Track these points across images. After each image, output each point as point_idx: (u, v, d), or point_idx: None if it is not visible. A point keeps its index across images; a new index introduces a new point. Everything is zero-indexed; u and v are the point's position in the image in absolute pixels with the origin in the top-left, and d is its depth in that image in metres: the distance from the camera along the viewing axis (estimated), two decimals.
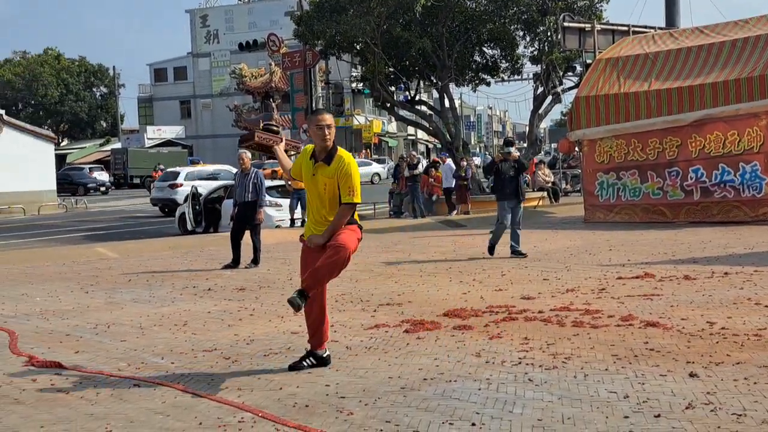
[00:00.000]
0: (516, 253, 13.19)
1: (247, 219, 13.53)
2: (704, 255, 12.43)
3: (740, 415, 4.79)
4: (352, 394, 5.63)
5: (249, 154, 13.86)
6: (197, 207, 22.11)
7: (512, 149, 13.69)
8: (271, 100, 53.39)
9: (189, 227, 21.95)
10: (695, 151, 17.89)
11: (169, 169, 33.59)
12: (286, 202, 21.13)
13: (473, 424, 4.88)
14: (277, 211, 21.51)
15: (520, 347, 6.82)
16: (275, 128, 6.70)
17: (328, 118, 6.22)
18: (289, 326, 8.17)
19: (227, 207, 22.08)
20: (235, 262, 13.39)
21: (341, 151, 6.17)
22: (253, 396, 5.68)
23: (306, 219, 6.37)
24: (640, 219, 18.65)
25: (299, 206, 20.83)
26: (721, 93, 17.50)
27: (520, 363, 6.30)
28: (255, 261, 13.50)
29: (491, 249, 13.41)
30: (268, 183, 23.68)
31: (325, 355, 6.47)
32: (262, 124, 6.34)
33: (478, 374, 6.03)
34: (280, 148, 7.26)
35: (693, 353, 6.33)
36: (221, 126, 67.14)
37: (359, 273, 12.08)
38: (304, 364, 6.38)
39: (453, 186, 24.36)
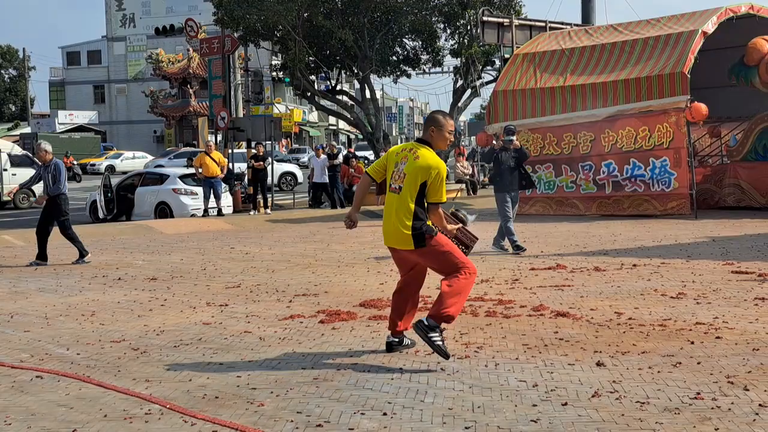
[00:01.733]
0: (517, 247, 12.40)
1: (53, 213, 12.47)
2: (614, 247, 12.72)
3: (643, 403, 4.90)
4: (264, 385, 5.57)
5: (49, 147, 12.57)
6: (109, 195, 21.64)
7: (513, 138, 12.66)
8: (188, 86, 52.62)
9: (101, 215, 21.47)
10: (608, 146, 18.28)
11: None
12: (201, 191, 20.81)
13: (384, 414, 4.88)
14: (192, 199, 21.19)
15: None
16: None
17: (453, 126, 6.27)
18: (201, 317, 8.04)
19: (140, 195, 21.71)
20: (41, 258, 12.38)
21: None
22: (162, 388, 5.57)
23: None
24: (554, 212, 18.98)
25: (212, 195, 20.56)
26: (634, 90, 17.92)
27: (433, 353, 6.32)
28: (81, 254, 12.48)
29: (516, 246, 12.39)
30: (182, 171, 23.40)
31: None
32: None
33: (392, 364, 6.04)
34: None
35: (601, 343, 6.46)
36: (137, 112, 65.86)
37: (275, 263, 12.00)
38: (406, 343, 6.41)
39: (326, 181, 24.09)
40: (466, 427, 4.62)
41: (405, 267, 6.31)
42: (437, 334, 5.83)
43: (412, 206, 5.93)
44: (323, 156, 24.11)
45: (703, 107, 16.98)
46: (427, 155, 5.96)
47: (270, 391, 5.43)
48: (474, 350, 6.37)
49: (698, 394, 5.03)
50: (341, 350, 6.51)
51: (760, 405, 4.76)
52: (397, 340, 6.37)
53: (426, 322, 5.86)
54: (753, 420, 4.53)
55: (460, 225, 6.60)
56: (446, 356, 5.85)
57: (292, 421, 4.81)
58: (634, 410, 4.79)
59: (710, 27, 17.85)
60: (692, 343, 6.35)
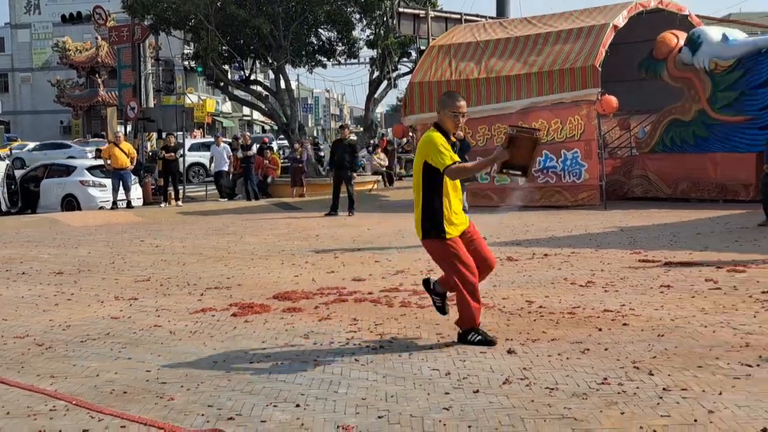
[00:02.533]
0: None
1: None
2: (527, 237, 12.92)
3: (552, 389, 4.98)
4: (174, 379, 5.47)
5: None
6: (12, 187, 20.96)
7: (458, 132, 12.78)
8: (97, 75, 51.31)
9: (4, 208, 20.79)
10: None
11: None
12: (110, 183, 20.34)
13: (297, 405, 4.85)
14: (100, 191, 20.70)
15: (349, 328, 6.85)
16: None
17: (464, 107, 6.05)
18: (109, 311, 7.86)
19: (46, 187, 21.11)
20: None
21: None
22: (68, 383, 5.42)
23: (444, 215, 5.90)
24: (469, 203, 19.14)
25: (121, 187, 20.11)
26: (546, 82, 18.21)
27: (347, 343, 6.33)
28: None
29: None
30: (90, 162, 22.83)
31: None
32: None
33: (305, 356, 6.00)
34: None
35: (512, 331, 6.55)
36: (42, 101, 63.80)
37: (187, 256, 11.81)
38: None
39: (226, 169, 23.98)
40: (379, 416, 4.62)
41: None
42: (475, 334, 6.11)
43: (421, 189, 5.97)
44: (223, 144, 23.89)
45: (613, 100, 17.37)
46: (426, 136, 5.94)
47: (180, 385, 5.33)
48: (388, 340, 6.38)
49: (605, 379, 5.14)
50: (254, 343, 6.44)
51: (664, 389, 4.89)
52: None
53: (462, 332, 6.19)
54: (657, 403, 4.64)
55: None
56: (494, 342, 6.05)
57: (202, 414, 4.74)
58: (543, 396, 4.86)
59: (621, 21, 18.26)
60: (600, 330, 6.48)
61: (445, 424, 4.45)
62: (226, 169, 23.70)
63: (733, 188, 17.25)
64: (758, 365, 5.34)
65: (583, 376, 5.22)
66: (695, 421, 4.33)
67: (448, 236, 5.94)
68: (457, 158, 5.90)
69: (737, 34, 18.38)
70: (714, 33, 17.98)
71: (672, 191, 18.27)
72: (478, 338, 6.03)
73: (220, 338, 6.65)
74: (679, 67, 17.98)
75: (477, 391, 4.97)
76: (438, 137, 5.84)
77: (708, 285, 8.25)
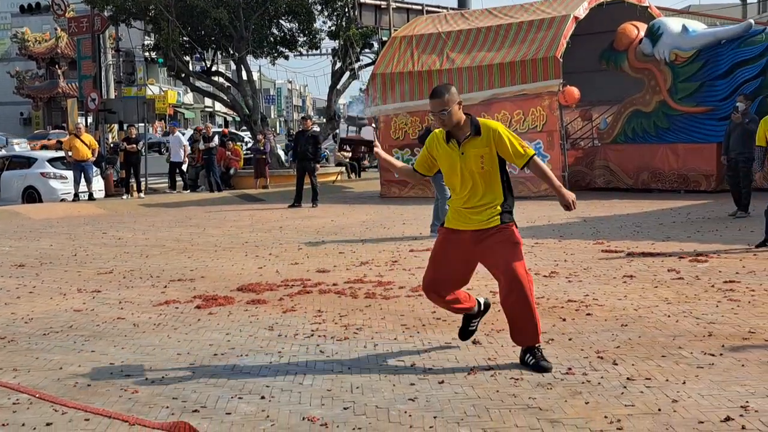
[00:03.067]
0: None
1: None
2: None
3: (517, 379, 5.01)
4: (138, 372, 5.42)
5: None
6: None
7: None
8: (57, 66, 50.62)
9: None
10: None
11: None
12: (71, 175, 20.06)
13: (262, 397, 4.83)
14: (62, 183, 20.42)
15: (314, 320, 6.83)
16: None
17: (437, 103, 5.22)
18: (72, 304, 7.76)
19: (6, 179, 20.78)
20: None
21: (483, 120, 5.39)
22: (31, 377, 5.35)
23: (443, 211, 5.34)
24: (433, 194, 19.12)
25: (83, 179, 19.85)
26: (508, 74, 18.29)
27: (312, 335, 6.31)
28: None
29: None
30: (51, 154, 22.50)
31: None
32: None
33: (270, 348, 5.97)
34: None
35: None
36: (2, 93, 62.63)
37: (150, 248, 11.71)
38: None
39: (180, 161, 23.88)
40: (344, 408, 4.61)
41: None
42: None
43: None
44: (178, 133, 23.71)
45: (575, 91, 17.49)
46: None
47: (144, 377, 5.29)
48: (353, 332, 6.37)
49: (570, 369, 5.17)
50: (218, 335, 6.40)
51: (628, 378, 4.93)
52: (473, 322, 5.88)
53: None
54: (621, 393, 4.68)
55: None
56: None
57: (167, 407, 4.70)
58: (508, 386, 4.88)
59: (581, 12, 18.38)
60: (564, 320, 6.53)
61: (410, 415, 4.45)
62: (180, 160, 23.45)
63: (694, 179, 17.47)
64: (721, 354, 5.41)
65: None
66: (659, 410, 4.37)
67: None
68: None
69: (697, 26, 18.60)
70: (674, 24, 18.18)
71: (634, 182, 18.45)
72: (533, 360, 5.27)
73: (184, 330, 6.60)
74: (640, 58, 18.15)
75: (442, 382, 4.98)
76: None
77: (671, 275, 8.35)
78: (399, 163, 6.05)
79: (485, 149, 5.20)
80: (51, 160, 21.21)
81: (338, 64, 27.20)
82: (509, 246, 5.28)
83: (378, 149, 5.80)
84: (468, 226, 5.30)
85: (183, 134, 24.53)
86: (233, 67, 29.92)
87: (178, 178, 24.26)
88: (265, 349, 5.96)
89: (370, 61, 27.47)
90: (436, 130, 5.44)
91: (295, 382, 5.13)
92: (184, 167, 24.35)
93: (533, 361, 5.19)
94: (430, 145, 5.42)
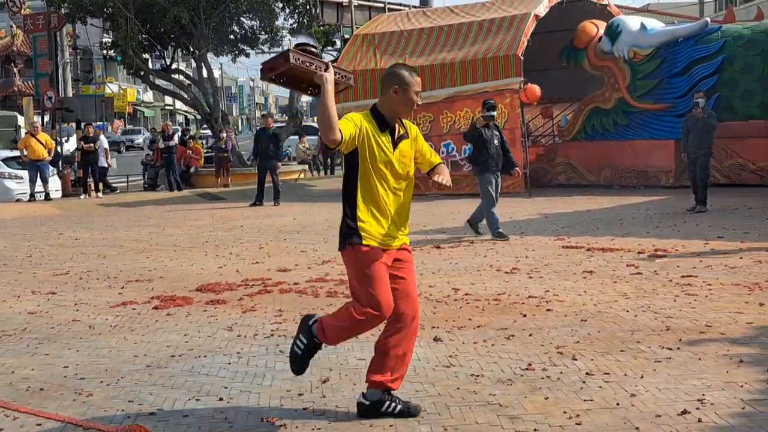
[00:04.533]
0: (499, 234, 10.98)
1: None
2: (453, 225, 12.98)
3: (478, 376, 5.00)
4: (93, 374, 5.33)
5: None
6: None
7: (495, 113, 11.57)
8: (12, 64, 49.78)
9: None
10: (446, 126, 18.63)
11: None
12: (27, 174, 19.75)
13: (221, 399, 4.77)
14: (17, 183, 20.09)
15: (274, 320, 6.76)
16: (314, 49, 4.12)
17: (419, 82, 4.47)
18: (26, 306, 7.63)
19: None
20: None
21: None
22: None
23: (365, 221, 4.25)
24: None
25: (39, 179, 19.54)
26: (470, 71, 18.31)
27: (272, 335, 6.25)
28: None
29: (498, 233, 10.96)
30: (6, 153, 22.12)
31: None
32: (293, 45, 3.82)
33: (229, 348, 5.90)
34: (328, 78, 4.28)
35: (438, 318, 6.56)
36: None
37: (107, 249, 11.55)
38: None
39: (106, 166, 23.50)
40: (304, 408, 4.57)
41: None
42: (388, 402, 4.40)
43: (344, 187, 4.45)
44: (102, 137, 23.40)
45: (536, 89, 17.55)
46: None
47: (99, 380, 5.20)
48: None
49: (530, 365, 5.17)
50: (176, 336, 6.32)
51: (587, 374, 4.94)
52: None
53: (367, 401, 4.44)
54: (580, 388, 4.69)
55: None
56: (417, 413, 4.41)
57: (122, 410, 4.63)
58: (468, 383, 4.87)
59: (542, 10, 18.46)
60: (525, 316, 6.53)
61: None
62: (105, 166, 22.69)
63: (653, 174, 17.64)
64: (678, 348, 5.44)
65: (508, 362, 5.25)
66: (617, 404, 4.38)
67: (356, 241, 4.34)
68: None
69: (655, 24, 18.78)
70: (632, 22, 18.33)
71: (595, 178, 18.58)
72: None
73: (141, 332, 6.50)
74: (599, 55, 18.29)
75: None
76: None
77: (629, 270, 8.40)
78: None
79: (412, 150, 4.49)
80: (6, 160, 20.87)
81: None
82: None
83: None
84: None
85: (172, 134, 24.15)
86: (194, 64, 29.63)
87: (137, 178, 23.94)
88: (224, 349, 5.89)
89: (333, 58, 27.37)
90: (356, 115, 4.39)
91: (254, 382, 5.07)
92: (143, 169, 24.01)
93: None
94: (364, 123, 4.32)
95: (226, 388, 4.98)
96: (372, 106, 4.49)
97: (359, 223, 4.28)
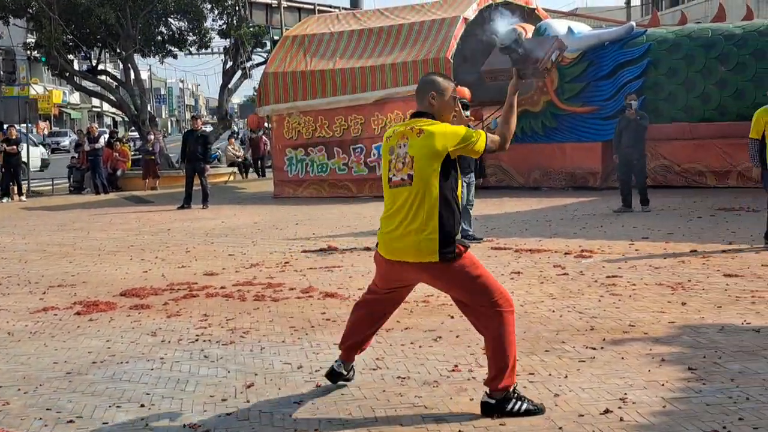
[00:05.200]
0: (469, 237, 10.61)
1: None
2: None
3: (404, 378, 4.98)
4: (10, 382, 5.18)
5: None
6: None
7: (469, 113, 11.14)
8: None
9: None
10: (378, 128, 18.62)
11: None
12: None
13: (142, 405, 4.67)
14: None
15: (199, 324, 6.66)
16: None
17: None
18: None
19: None
20: None
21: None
22: None
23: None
24: (327, 194, 19.13)
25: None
26: (401, 74, 18.35)
27: (197, 340, 6.15)
28: None
29: (469, 236, 10.62)
30: None
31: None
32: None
33: (152, 354, 5.79)
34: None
35: None
36: None
37: (29, 253, 11.25)
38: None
39: None
40: (227, 413, 4.50)
41: (394, 282, 4.61)
42: (515, 401, 4.30)
43: (436, 197, 4.28)
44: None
45: (466, 91, 17.61)
46: (438, 127, 4.38)
47: (17, 388, 5.05)
48: (240, 335, 6.24)
49: (456, 366, 5.18)
50: (98, 342, 6.17)
51: None
52: (346, 369, 4.85)
53: (493, 400, 4.31)
54: None
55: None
56: (543, 410, 4.32)
57: (40, 418, 4.50)
58: (395, 386, 4.85)
59: (471, 13, 18.59)
60: (452, 317, 6.54)
61: (295, 419, 4.37)
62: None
63: (581, 176, 17.91)
64: (602, 348, 5.51)
65: (434, 364, 5.25)
66: (541, 403, 4.40)
67: (468, 244, 4.48)
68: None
69: (582, 27, 19.07)
70: (560, 26, 18.59)
71: (525, 180, 18.78)
72: (525, 406, 4.32)
73: (62, 338, 6.34)
74: None
75: (329, 384, 4.91)
76: (461, 128, 4.46)
77: (556, 271, 8.50)
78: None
79: None
80: None
81: (229, 63, 26.85)
82: None
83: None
84: None
85: (98, 137, 23.62)
86: (122, 66, 29.10)
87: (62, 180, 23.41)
88: (147, 355, 5.77)
89: (263, 60, 27.20)
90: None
91: (177, 388, 4.98)
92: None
93: None
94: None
95: (148, 394, 4.88)
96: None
97: (456, 228, 4.36)
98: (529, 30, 18.72)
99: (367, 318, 4.76)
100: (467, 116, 10.78)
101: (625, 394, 4.54)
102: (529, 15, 20.00)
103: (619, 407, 4.33)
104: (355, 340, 4.78)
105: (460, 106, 4.62)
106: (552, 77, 18.15)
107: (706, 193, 15.58)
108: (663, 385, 4.68)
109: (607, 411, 4.27)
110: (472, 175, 10.97)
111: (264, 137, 27.91)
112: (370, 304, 4.75)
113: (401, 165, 4.38)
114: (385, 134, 4.60)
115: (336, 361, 4.85)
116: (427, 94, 4.52)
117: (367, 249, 10.54)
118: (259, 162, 28.24)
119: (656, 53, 17.17)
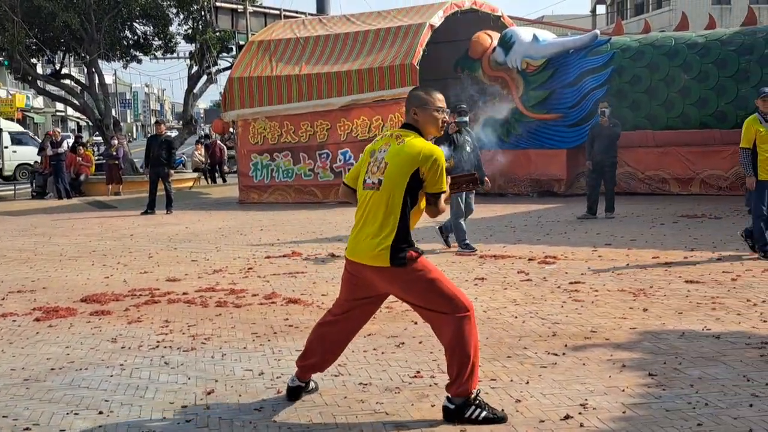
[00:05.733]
0: (466, 246, 10.54)
1: None
2: (348, 234, 12.92)
3: (366, 384, 4.96)
4: None
5: None
6: None
7: (467, 119, 10.90)
8: None
9: None
10: (344, 134, 18.61)
11: None
12: None
13: (100, 413, 4.61)
14: None
15: (160, 330, 6.59)
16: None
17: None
18: None
19: None
20: None
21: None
22: None
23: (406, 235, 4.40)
24: (292, 199, 19.06)
25: None
26: (367, 80, 18.35)
27: (157, 346, 6.08)
28: None
29: (466, 245, 10.54)
30: None
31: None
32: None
33: (112, 360, 5.72)
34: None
35: None
36: None
37: None
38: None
39: None
40: (187, 420, 4.45)
41: (359, 292, 4.59)
42: (474, 408, 4.30)
43: (396, 206, 4.35)
44: None
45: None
46: (417, 142, 4.41)
47: None
48: (201, 342, 6.18)
49: (418, 372, 5.17)
50: (57, 349, 6.08)
51: None
52: (303, 384, 4.79)
53: (452, 405, 4.34)
54: None
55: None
56: (504, 419, 4.31)
57: None
58: (356, 392, 4.83)
59: (437, 20, 18.65)
60: (416, 323, 6.52)
61: (255, 426, 4.33)
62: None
63: (546, 183, 18.02)
64: (564, 353, 5.53)
65: (396, 370, 5.24)
66: (502, 410, 4.40)
67: (421, 251, 4.45)
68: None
69: (547, 35, 19.20)
70: (525, 34, 18.70)
71: (491, 187, 18.83)
72: (485, 414, 4.32)
73: (20, 344, 6.24)
74: (494, 66, 18.58)
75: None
76: (443, 157, 4.44)
77: (520, 276, 8.53)
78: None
79: None
80: None
81: (195, 68, 26.69)
82: None
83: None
84: None
85: (61, 141, 23.32)
86: (86, 70, 28.81)
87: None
88: (107, 361, 5.70)
89: (228, 65, 27.07)
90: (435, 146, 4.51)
91: (137, 395, 4.92)
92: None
93: None
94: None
95: (106, 401, 4.81)
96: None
97: (410, 237, 4.41)
98: (495, 37, 18.83)
99: (337, 337, 4.71)
100: (462, 121, 10.68)
101: (586, 399, 4.56)
102: (495, 23, 20.10)
103: (580, 413, 4.35)
104: (312, 362, 4.73)
105: (445, 117, 4.65)
106: (517, 84, 18.25)
107: (669, 200, 15.74)
108: (623, 390, 4.71)
109: (567, 417, 4.29)
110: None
111: (219, 142, 27.77)
112: (337, 320, 4.71)
113: (376, 169, 4.47)
114: (377, 137, 4.79)
115: (292, 380, 4.79)
116: (409, 109, 4.60)
117: (332, 255, 10.51)
118: (217, 167, 28.04)
119: (620, 61, 17.33)
